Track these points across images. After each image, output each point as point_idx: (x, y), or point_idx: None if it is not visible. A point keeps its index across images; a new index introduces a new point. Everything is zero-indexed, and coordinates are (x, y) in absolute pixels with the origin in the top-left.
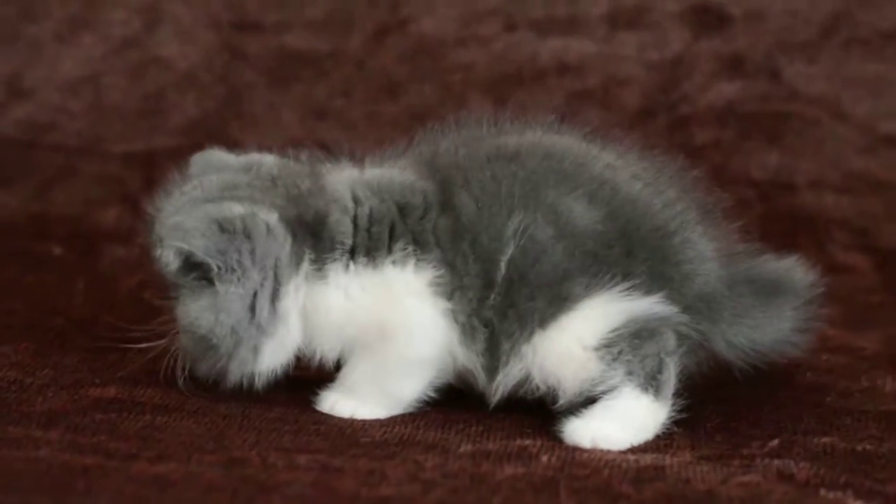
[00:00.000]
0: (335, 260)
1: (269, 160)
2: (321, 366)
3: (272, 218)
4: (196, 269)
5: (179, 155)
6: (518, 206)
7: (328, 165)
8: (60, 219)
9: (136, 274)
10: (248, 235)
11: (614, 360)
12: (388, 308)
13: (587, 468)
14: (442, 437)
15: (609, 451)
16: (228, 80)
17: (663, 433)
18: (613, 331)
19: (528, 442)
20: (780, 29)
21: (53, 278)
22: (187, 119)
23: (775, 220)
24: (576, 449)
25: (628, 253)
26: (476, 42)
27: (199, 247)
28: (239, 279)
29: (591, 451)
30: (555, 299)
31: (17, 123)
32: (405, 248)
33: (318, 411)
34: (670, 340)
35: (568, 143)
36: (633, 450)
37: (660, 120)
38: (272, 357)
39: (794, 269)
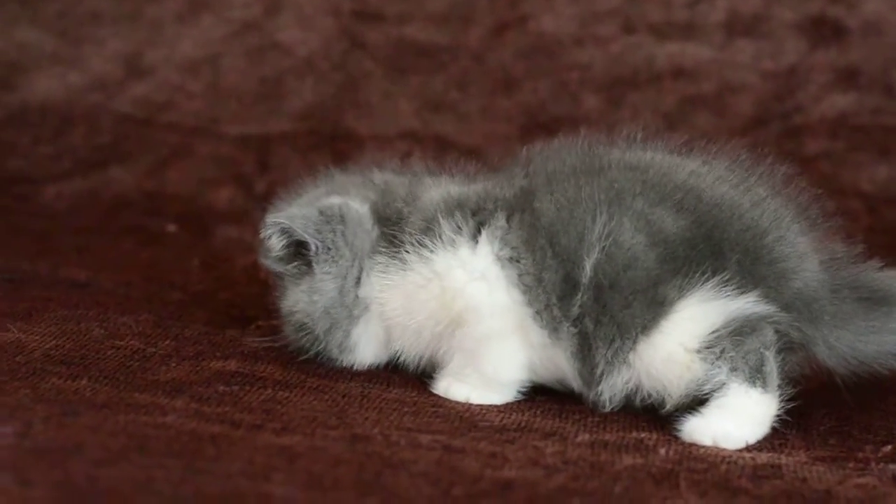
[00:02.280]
0: (396, 258)
1: (377, 172)
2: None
3: (364, 208)
4: (297, 258)
5: (294, 139)
6: (602, 212)
7: (431, 179)
8: (174, 197)
9: (251, 254)
10: (342, 219)
11: (717, 358)
12: (448, 298)
13: (705, 462)
14: (559, 425)
15: (725, 448)
16: (346, 68)
17: (777, 434)
18: (714, 332)
19: (643, 435)
20: None
21: (168, 254)
22: (303, 104)
23: (882, 233)
24: (691, 443)
25: (715, 253)
26: (593, 42)
27: (299, 225)
28: (333, 259)
29: (708, 447)
30: (651, 304)
31: (135, 101)
32: (459, 229)
33: (434, 394)
34: (769, 335)
35: (651, 155)
36: (748, 448)
37: (772, 128)
38: (364, 347)
39: None
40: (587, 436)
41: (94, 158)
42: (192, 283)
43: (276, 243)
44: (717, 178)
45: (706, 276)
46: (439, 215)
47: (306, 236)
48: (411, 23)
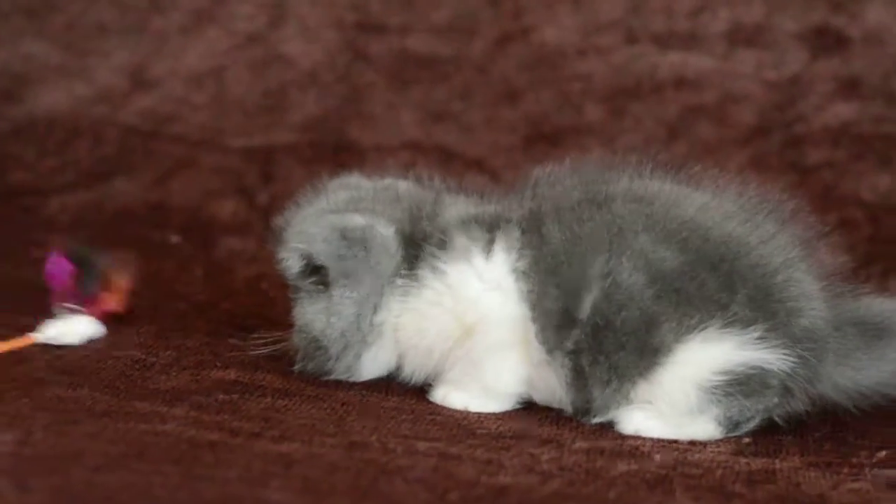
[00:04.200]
0: (412, 278)
1: (402, 183)
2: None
3: (389, 231)
4: (315, 274)
5: (298, 151)
6: (602, 250)
7: (451, 197)
8: (178, 208)
9: (253, 265)
10: (365, 245)
11: (716, 400)
12: (461, 311)
13: (699, 468)
14: (556, 433)
15: (721, 453)
16: (349, 80)
17: (772, 440)
18: (723, 376)
19: (639, 442)
20: None
21: (172, 265)
22: (307, 116)
23: (883, 242)
24: (687, 450)
25: (722, 288)
26: (596, 53)
27: (321, 251)
28: (353, 285)
29: (703, 452)
30: (646, 350)
31: (140, 113)
32: (474, 239)
33: (431, 402)
34: (774, 398)
35: (659, 186)
36: (743, 453)
37: (773, 138)
38: (370, 368)
39: None
40: (583, 443)
41: (99, 170)
42: (195, 294)
43: (294, 264)
44: (726, 214)
45: (710, 314)
46: (453, 229)
47: (327, 263)
48: (414, 34)
